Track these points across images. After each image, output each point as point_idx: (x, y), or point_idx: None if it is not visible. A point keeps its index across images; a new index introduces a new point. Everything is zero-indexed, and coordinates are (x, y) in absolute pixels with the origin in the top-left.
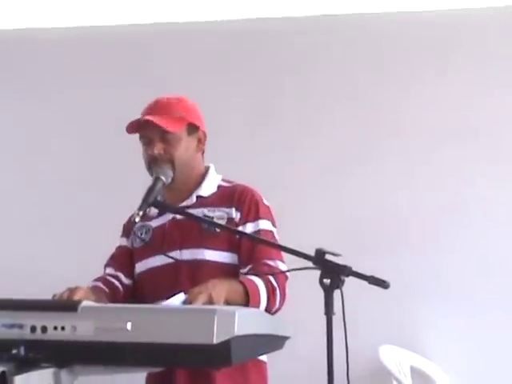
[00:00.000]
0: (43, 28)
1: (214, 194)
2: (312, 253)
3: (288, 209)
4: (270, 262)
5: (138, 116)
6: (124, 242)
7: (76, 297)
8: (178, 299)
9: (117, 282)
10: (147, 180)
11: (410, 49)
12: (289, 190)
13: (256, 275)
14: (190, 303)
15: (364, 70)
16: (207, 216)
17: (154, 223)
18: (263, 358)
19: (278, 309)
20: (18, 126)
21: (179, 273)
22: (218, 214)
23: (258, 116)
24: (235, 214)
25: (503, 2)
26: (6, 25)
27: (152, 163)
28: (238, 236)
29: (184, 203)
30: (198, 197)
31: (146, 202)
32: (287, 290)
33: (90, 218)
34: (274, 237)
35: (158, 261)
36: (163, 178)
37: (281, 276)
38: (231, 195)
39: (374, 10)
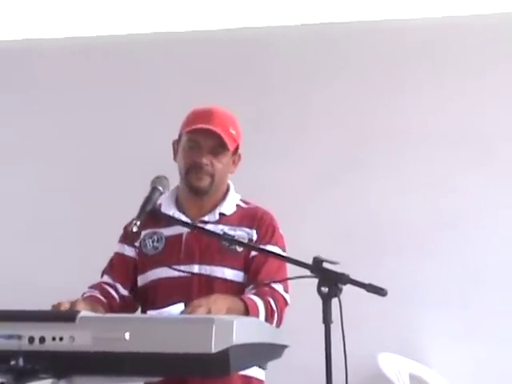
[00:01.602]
0: (43, 39)
1: (234, 214)
2: (309, 261)
3: (283, 216)
4: (274, 285)
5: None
6: (125, 249)
7: (75, 308)
8: (177, 309)
9: (114, 292)
10: (145, 186)
11: (404, 56)
12: (284, 197)
13: (258, 295)
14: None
15: (358, 78)
16: (227, 234)
17: (166, 232)
18: (261, 376)
19: None
20: (16, 133)
21: (192, 287)
22: (240, 234)
23: (253, 124)
24: (255, 236)
25: (499, 10)
26: (5, 36)
27: (194, 170)
28: (252, 254)
29: (206, 218)
30: (220, 214)
31: (143, 212)
32: (284, 315)
33: (87, 225)
34: (281, 264)
35: (171, 272)
36: (160, 188)
37: (281, 300)
38: (253, 217)
39: (369, 17)
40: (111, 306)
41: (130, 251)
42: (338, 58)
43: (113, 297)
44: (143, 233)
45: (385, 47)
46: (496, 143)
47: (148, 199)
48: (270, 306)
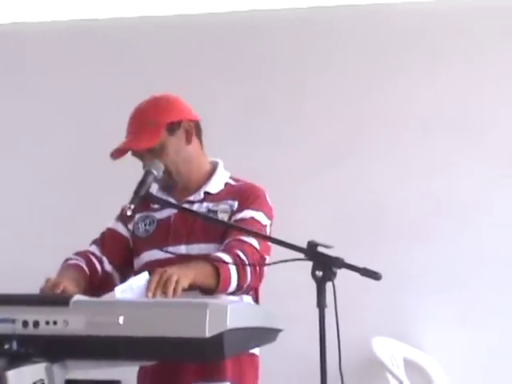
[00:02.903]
0: (32, 22)
1: (221, 191)
2: (304, 245)
3: (279, 201)
4: (243, 238)
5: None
6: (119, 227)
7: (59, 290)
8: (141, 278)
9: (98, 265)
10: (140, 172)
11: (401, 40)
12: (279, 181)
13: (224, 250)
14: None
15: (353, 61)
16: (211, 210)
17: (159, 215)
18: (255, 351)
19: (253, 286)
20: (7, 122)
21: None
22: (222, 207)
23: (248, 108)
24: (236, 206)
25: None
26: None
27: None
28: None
29: (191, 197)
30: (205, 193)
31: (138, 196)
32: (262, 270)
33: (81, 211)
34: (263, 229)
35: (161, 254)
36: (154, 171)
37: (251, 251)
38: (238, 190)
39: (364, 1)
40: (92, 281)
41: (123, 230)
42: (336, 42)
43: (96, 269)
44: (137, 216)
45: (381, 31)
46: (492, 128)
47: (142, 183)
48: (239, 257)
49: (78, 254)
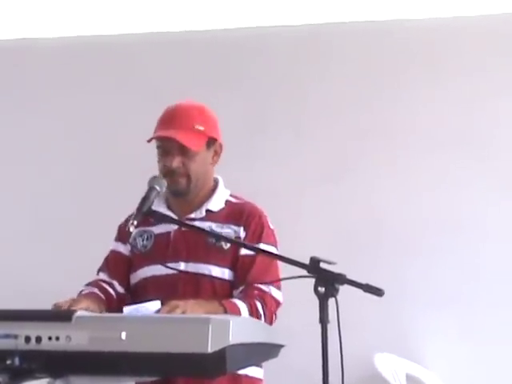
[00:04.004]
0: (39, 38)
1: (222, 210)
2: (306, 261)
3: (281, 217)
4: (263, 287)
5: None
6: (119, 247)
7: (79, 307)
8: (153, 306)
9: (111, 290)
10: (143, 187)
11: (403, 55)
12: (280, 196)
13: (242, 298)
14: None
15: (356, 77)
16: (214, 231)
17: (156, 230)
18: (259, 375)
19: None
20: (12, 132)
21: (179, 285)
22: (226, 232)
23: (251, 124)
24: (242, 234)
25: (498, 10)
26: (1, 35)
27: (168, 175)
28: (240, 253)
29: (192, 215)
30: (207, 210)
31: (141, 212)
32: (275, 316)
33: (84, 227)
34: (272, 262)
35: (159, 270)
36: (157, 187)
37: (271, 302)
38: (240, 214)
39: (368, 18)
40: (109, 304)
41: (124, 249)
42: (339, 58)
43: (110, 294)
44: (134, 231)
45: (383, 46)
46: (496, 141)
47: (145, 199)
48: (256, 309)
49: (89, 284)
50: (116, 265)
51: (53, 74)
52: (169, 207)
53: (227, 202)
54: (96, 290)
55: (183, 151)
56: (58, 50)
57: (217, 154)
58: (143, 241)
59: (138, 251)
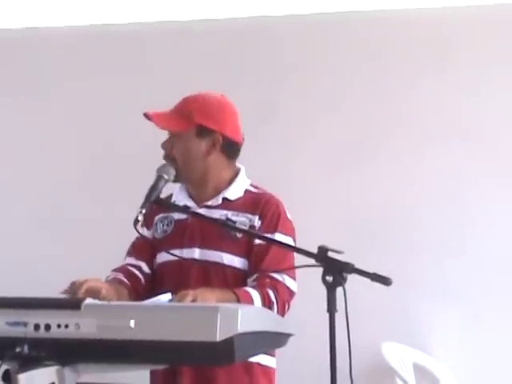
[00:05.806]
0: (43, 27)
1: (240, 199)
2: (314, 250)
3: (290, 207)
4: (276, 276)
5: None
6: (144, 231)
7: (91, 284)
8: (164, 298)
9: (138, 272)
10: (150, 178)
11: (408, 49)
12: (291, 188)
13: (255, 287)
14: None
15: (363, 69)
16: (230, 220)
17: (177, 215)
18: (272, 364)
19: None
20: (19, 126)
21: (192, 271)
22: (241, 220)
23: (259, 115)
24: (257, 222)
25: (502, 0)
26: (5, 24)
27: (164, 159)
28: (255, 241)
29: (209, 202)
30: (224, 199)
31: (149, 201)
32: (288, 305)
33: (92, 218)
34: (287, 252)
35: (173, 256)
36: (165, 176)
37: (282, 290)
38: (257, 203)
39: (373, 8)
40: (136, 288)
41: (148, 234)
42: (344, 50)
43: (137, 277)
44: (156, 217)
45: (388, 39)
46: (498, 136)
47: (153, 188)
48: (268, 297)
49: (115, 269)
50: (142, 248)
51: (56, 64)
52: (189, 195)
53: (246, 191)
54: (120, 276)
55: (172, 134)
56: (61, 40)
57: (213, 146)
58: (163, 226)
59: (158, 236)
